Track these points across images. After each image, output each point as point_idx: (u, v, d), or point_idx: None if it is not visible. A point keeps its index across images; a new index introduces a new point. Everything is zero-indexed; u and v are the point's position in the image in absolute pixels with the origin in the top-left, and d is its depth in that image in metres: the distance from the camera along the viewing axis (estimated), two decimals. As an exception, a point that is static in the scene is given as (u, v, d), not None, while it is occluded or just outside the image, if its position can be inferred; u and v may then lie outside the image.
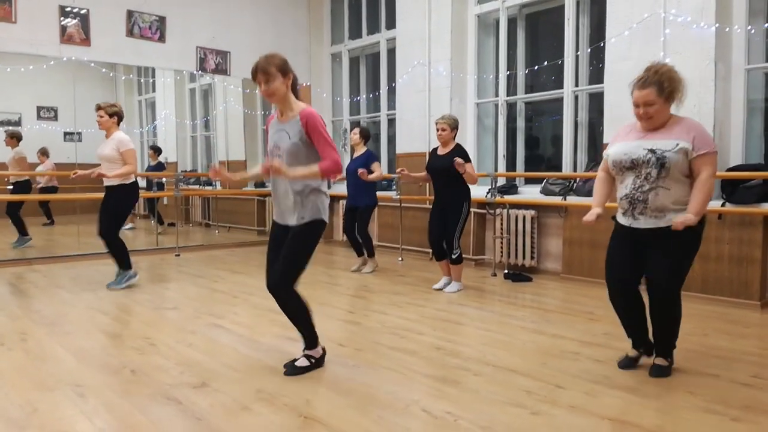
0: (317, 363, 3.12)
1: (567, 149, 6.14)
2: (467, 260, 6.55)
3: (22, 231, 7.42)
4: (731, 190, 4.65)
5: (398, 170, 5.49)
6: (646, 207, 2.91)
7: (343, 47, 8.83)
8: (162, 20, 7.56)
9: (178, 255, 7.33)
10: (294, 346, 3.34)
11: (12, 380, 2.96)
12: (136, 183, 5.22)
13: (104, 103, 5.14)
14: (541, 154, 6.95)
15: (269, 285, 2.99)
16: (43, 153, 8.13)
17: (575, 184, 5.89)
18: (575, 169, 6.10)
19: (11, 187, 7.43)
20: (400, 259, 7.02)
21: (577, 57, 6.07)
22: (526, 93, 6.72)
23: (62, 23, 6.84)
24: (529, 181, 6.60)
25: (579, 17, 6.05)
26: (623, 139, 3.07)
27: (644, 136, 2.96)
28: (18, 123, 8.30)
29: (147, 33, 7.47)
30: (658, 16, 5.01)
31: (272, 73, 2.85)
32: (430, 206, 5.35)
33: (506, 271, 5.95)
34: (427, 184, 6.33)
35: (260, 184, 8.77)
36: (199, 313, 4.38)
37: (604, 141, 5.41)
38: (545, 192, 6.04)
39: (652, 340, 3.13)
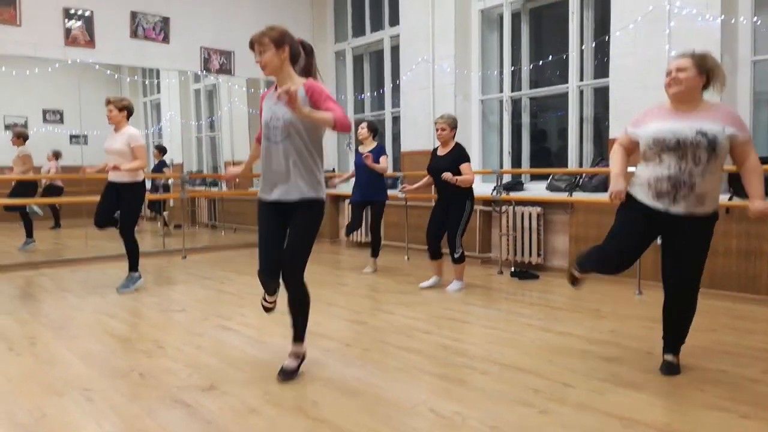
0: (302, 358, 3.09)
1: (572, 144, 6.12)
2: (474, 258, 6.55)
3: (29, 233, 7.44)
4: (738, 183, 4.60)
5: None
6: (691, 191, 2.74)
7: (346, 45, 8.82)
8: (166, 21, 7.57)
9: (185, 257, 7.35)
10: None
11: (20, 385, 2.97)
12: (144, 181, 5.23)
13: (114, 97, 5.14)
14: (546, 150, 6.92)
15: (283, 275, 2.93)
16: (54, 154, 8.19)
17: (581, 180, 5.86)
18: (581, 165, 6.07)
19: (14, 184, 7.43)
20: (406, 257, 7.02)
21: (581, 51, 6.04)
22: (530, 88, 6.69)
23: (66, 25, 6.86)
24: (534, 177, 6.57)
25: (583, 11, 6.02)
26: (658, 118, 2.86)
27: (686, 117, 2.78)
28: (25, 126, 8.34)
29: (151, 34, 7.48)
30: (663, 9, 4.98)
31: (265, 43, 2.80)
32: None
33: (513, 269, 5.94)
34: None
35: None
36: (207, 315, 4.39)
37: (610, 136, 5.39)
38: (551, 188, 6.02)
39: (663, 336, 3.08)
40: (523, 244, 6.13)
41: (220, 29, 8.00)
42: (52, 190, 8.15)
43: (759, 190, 2.75)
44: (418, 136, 7.24)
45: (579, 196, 5.70)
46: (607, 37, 5.48)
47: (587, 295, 4.85)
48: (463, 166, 4.95)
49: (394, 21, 7.84)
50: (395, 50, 7.85)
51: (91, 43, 7.03)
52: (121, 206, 5.12)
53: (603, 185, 5.60)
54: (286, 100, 2.49)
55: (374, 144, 6.02)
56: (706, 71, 2.81)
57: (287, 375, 2.99)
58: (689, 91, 2.80)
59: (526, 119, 6.73)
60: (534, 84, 6.72)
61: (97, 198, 5.24)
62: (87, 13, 6.99)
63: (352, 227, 6.15)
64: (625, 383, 2.89)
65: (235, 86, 9.08)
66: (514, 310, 4.49)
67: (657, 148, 2.81)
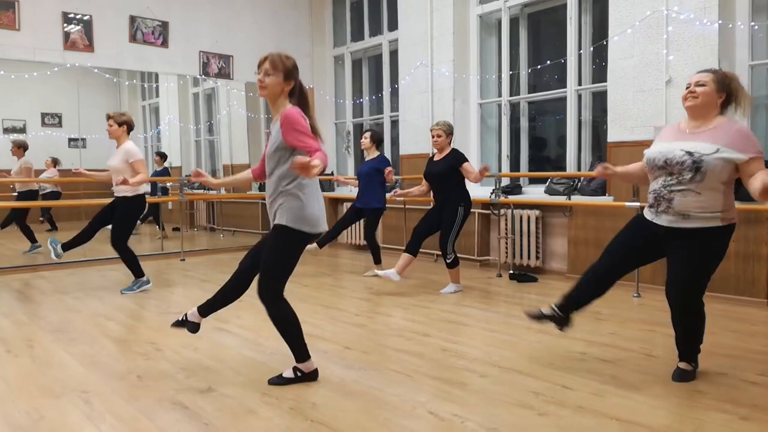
0: (305, 377, 2.97)
1: (571, 148, 6.13)
2: (473, 261, 6.56)
3: (31, 239, 7.47)
4: (737, 187, 4.59)
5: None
6: (669, 207, 2.81)
7: (345, 49, 8.84)
8: (165, 25, 7.57)
9: (183, 260, 7.34)
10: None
11: (19, 387, 2.97)
12: (143, 195, 5.25)
13: (114, 112, 5.20)
14: (544, 154, 6.94)
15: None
16: (53, 161, 8.21)
17: (579, 184, 5.87)
18: (579, 169, 6.08)
19: (16, 194, 7.48)
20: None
21: (579, 56, 6.06)
22: (529, 93, 6.70)
23: (65, 30, 6.86)
24: (533, 181, 6.58)
25: (581, 16, 6.03)
26: (664, 139, 2.94)
27: (686, 137, 2.83)
28: (23, 130, 8.34)
29: (150, 38, 7.49)
30: (661, 14, 5.00)
31: (277, 68, 2.80)
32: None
33: (511, 272, 5.94)
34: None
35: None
36: (205, 318, 4.37)
37: (608, 140, 5.40)
38: (549, 192, 6.03)
39: (676, 343, 3.05)
40: (521, 247, 6.13)
41: (219, 34, 8.00)
42: (51, 195, 8.17)
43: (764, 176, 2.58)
44: (417, 140, 7.25)
45: (577, 199, 5.71)
46: (605, 42, 5.50)
47: (586, 298, 4.84)
48: (465, 165, 4.98)
49: (393, 26, 7.86)
50: (394, 54, 7.87)
51: (90, 47, 7.03)
52: (114, 219, 5.14)
53: (602, 188, 5.61)
54: (302, 169, 2.50)
55: (377, 154, 6.05)
56: (726, 90, 2.81)
57: (274, 379, 2.98)
58: (704, 107, 2.80)
59: (524, 123, 6.75)
60: (532, 88, 6.73)
61: (93, 201, 5.26)
62: (86, 18, 6.99)
63: (335, 226, 6.20)
64: (624, 385, 2.89)
65: (233, 90, 9.09)
66: (513, 312, 4.49)
67: (649, 167, 2.93)
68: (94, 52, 7.07)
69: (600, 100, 5.93)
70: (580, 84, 6.08)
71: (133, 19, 7.35)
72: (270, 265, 2.87)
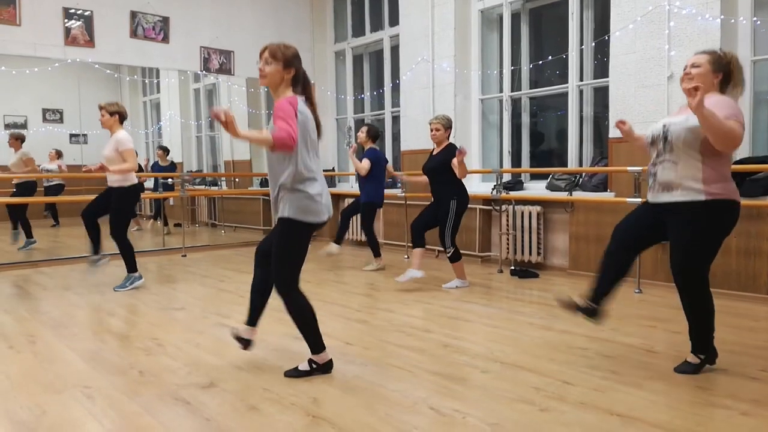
0: (320, 369, 3.03)
1: (572, 144, 6.12)
2: (474, 257, 6.55)
3: (28, 233, 7.45)
4: (738, 182, 4.60)
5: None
6: (655, 181, 2.91)
7: (346, 45, 8.82)
8: (165, 21, 7.56)
9: (185, 255, 7.34)
10: (300, 345, 3.33)
11: (20, 383, 2.97)
12: (136, 186, 5.22)
13: (105, 102, 5.19)
14: (546, 150, 6.93)
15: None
16: (57, 153, 8.21)
17: (581, 179, 5.87)
18: (581, 164, 6.07)
19: (14, 189, 7.44)
20: (405, 257, 7.02)
21: (581, 51, 6.04)
22: (530, 88, 6.69)
23: (66, 25, 6.85)
24: (534, 176, 6.57)
25: (583, 11, 6.02)
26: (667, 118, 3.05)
27: (679, 114, 2.92)
28: (24, 126, 8.35)
29: (151, 34, 7.48)
30: (663, 9, 4.98)
31: (277, 57, 2.82)
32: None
33: (513, 268, 5.94)
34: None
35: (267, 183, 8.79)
36: (207, 313, 4.39)
37: (610, 135, 5.39)
38: (551, 187, 6.02)
39: (689, 334, 3.03)
40: (523, 242, 6.13)
41: (220, 29, 7.99)
42: (54, 188, 8.15)
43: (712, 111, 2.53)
44: (419, 136, 7.23)
45: (579, 195, 5.70)
46: (606, 37, 5.49)
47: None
48: (454, 160, 4.93)
49: (394, 21, 7.84)
50: (395, 50, 7.85)
51: (90, 42, 7.02)
52: (110, 210, 5.15)
53: (603, 184, 5.61)
54: (222, 124, 2.49)
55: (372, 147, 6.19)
56: (722, 69, 2.82)
57: (290, 371, 3.03)
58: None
59: (526, 119, 6.73)
60: (534, 84, 6.72)
61: (95, 197, 5.27)
62: (87, 13, 6.99)
63: (342, 220, 6.42)
64: (625, 381, 2.89)
65: (234, 86, 9.08)
66: (514, 308, 4.49)
67: (647, 147, 3.04)
68: (94, 47, 7.06)
69: (602, 96, 5.91)
70: (581, 79, 6.07)
71: (133, 15, 7.34)
72: (281, 258, 2.89)
